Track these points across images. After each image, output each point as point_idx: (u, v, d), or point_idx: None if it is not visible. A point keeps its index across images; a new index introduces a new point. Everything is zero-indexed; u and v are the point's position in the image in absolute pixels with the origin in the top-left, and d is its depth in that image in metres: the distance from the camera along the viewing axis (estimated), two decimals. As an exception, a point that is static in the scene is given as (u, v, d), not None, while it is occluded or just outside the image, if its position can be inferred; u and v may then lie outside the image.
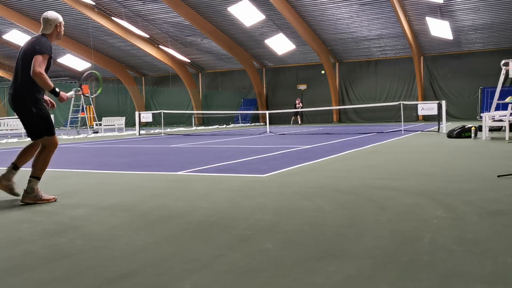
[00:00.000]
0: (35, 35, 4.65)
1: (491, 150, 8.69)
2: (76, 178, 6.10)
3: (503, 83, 13.69)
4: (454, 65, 29.19)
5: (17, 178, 4.66)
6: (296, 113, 29.69)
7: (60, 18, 4.68)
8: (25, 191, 4.36)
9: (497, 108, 13.35)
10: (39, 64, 4.30)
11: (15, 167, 4.64)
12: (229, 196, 4.48)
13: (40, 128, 4.47)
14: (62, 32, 4.73)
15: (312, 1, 23.37)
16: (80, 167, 7.40)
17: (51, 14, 4.63)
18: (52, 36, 4.63)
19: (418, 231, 3.03)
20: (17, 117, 4.77)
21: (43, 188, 4.62)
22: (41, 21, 4.61)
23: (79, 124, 22.30)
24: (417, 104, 18.91)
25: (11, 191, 4.59)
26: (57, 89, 4.47)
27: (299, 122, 29.82)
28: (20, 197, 4.46)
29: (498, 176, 5.19)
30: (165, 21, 26.82)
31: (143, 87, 37.50)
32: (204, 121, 34.99)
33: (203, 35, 27.87)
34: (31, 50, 4.40)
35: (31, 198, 4.35)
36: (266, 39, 28.04)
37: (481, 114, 13.28)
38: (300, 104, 29.72)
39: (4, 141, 16.09)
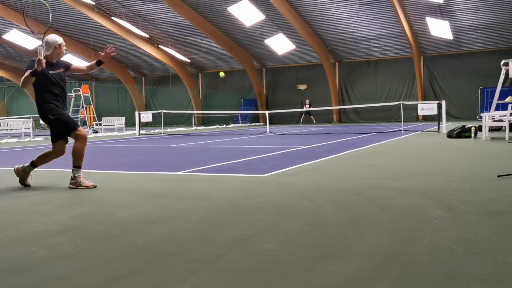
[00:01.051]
0: None
1: (491, 150, 8.69)
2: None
3: (503, 83, 13.69)
4: (454, 65, 29.19)
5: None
6: (307, 113, 29.99)
7: (60, 40, 5.31)
8: (71, 178, 5.18)
9: (497, 108, 13.34)
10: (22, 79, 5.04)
11: (33, 164, 5.40)
12: (229, 196, 4.47)
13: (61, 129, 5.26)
14: (63, 52, 5.38)
15: (312, 1, 23.37)
16: (80, 167, 7.39)
17: (50, 37, 5.27)
18: (53, 56, 5.25)
19: (418, 231, 3.03)
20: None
21: (44, 186, 4.62)
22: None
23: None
24: (417, 104, 18.91)
25: (22, 182, 5.36)
26: (32, 70, 4.98)
27: (314, 121, 30.21)
28: (26, 188, 5.27)
29: (498, 176, 5.19)
30: (165, 21, 26.82)
31: (143, 87, 37.50)
32: (204, 121, 34.99)
33: (203, 35, 27.87)
34: None
35: (73, 183, 5.14)
36: (266, 39, 28.03)
37: (481, 114, 13.28)
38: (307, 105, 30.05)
39: (4, 141, 16.09)
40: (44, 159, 5.42)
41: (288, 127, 25.92)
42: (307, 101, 30.45)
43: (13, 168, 5.50)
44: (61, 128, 5.24)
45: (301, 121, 30.66)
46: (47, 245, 2.92)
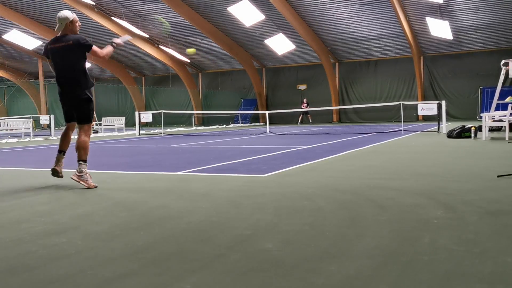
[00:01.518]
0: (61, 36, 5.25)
1: (491, 150, 8.69)
2: (76, 178, 6.09)
3: (503, 83, 13.68)
4: (454, 65, 29.19)
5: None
6: (305, 113, 30.01)
7: (71, 17, 5.23)
8: (77, 171, 5.15)
9: (497, 108, 13.34)
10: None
11: (63, 152, 5.46)
12: (229, 196, 4.47)
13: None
14: (77, 28, 5.34)
15: (312, 1, 23.37)
16: (80, 167, 7.39)
17: (61, 13, 5.21)
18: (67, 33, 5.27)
19: (418, 231, 3.03)
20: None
21: (44, 186, 4.62)
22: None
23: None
24: (417, 104, 18.91)
25: (59, 174, 5.37)
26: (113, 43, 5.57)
27: (310, 121, 30.16)
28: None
29: (498, 176, 5.19)
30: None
31: (143, 87, 37.50)
32: (204, 121, 34.99)
33: (203, 35, 27.87)
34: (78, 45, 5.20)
35: (78, 177, 5.10)
36: (266, 39, 28.03)
37: (481, 114, 13.28)
38: (305, 104, 30.06)
39: (4, 141, 16.09)
40: (66, 139, 5.49)
41: (288, 127, 25.93)
42: (305, 100, 30.44)
43: (54, 171, 5.41)
44: (87, 113, 5.30)
45: (299, 121, 30.60)
46: (47, 245, 2.92)
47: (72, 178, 5.12)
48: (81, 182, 5.09)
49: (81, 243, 2.96)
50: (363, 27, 25.99)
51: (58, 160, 5.39)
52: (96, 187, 5.14)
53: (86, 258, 2.65)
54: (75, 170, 5.17)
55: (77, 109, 5.31)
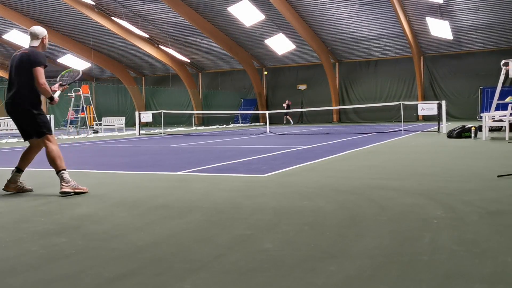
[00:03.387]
0: (25, 49, 5.00)
1: (491, 150, 8.69)
2: (76, 178, 6.06)
3: (503, 83, 13.68)
4: (454, 65, 29.19)
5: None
6: (286, 113, 30.34)
7: (45, 32, 5.08)
8: (63, 183, 4.73)
9: (497, 108, 13.34)
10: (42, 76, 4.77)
11: (19, 170, 4.98)
12: (229, 196, 4.47)
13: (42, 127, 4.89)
14: (47, 44, 5.11)
15: (312, 1, 23.37)
16: (80, 167, 7.39)
17: (38, 28, 5.05)
18: (39, 48, 5.00)
19: (418, 231, 3.03)
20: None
21: (44, 186, 4.61)
22: (29, 35, 5.01)
23: (79, 124, 22.30)
24: (417, 104, 18.91)
25: (22, 189, 4.95)
26: (53, 96, 4.96)
27: (291, 122, 30.58)
28: (31, 191, 4.98)
29: (498, 176, 5.19)
30: (165, 21, 26.83)
31: (143, 87, 37.50)
32: (204, 121, 35.00)
33: (203, 35, 27.87)
34: (29, 62, 4.78)
35: (71, 187, 4.72)
36: (266, 39, 28.03)
37: (481, 114, 13.28)
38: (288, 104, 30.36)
39: (4, 141, 16.09)
40: (26, 158, 5.03)
41: (288, 127, 25.93)
42: (287, 102, 30.70)
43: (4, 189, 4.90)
44: (36, 127, 4.82)
45: (285, 121, 30.86)
46: (47, 245, 2.92)
47: (63, 192, 4.64)
48: (75, 190, 4.71)
49: (81, 243, 2.96)
50: (363, 27, 25.99)
51: (10, 178, 4.89)
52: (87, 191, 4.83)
53: (86, 258, 2.65)
54: (61, 184, 4.70)
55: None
